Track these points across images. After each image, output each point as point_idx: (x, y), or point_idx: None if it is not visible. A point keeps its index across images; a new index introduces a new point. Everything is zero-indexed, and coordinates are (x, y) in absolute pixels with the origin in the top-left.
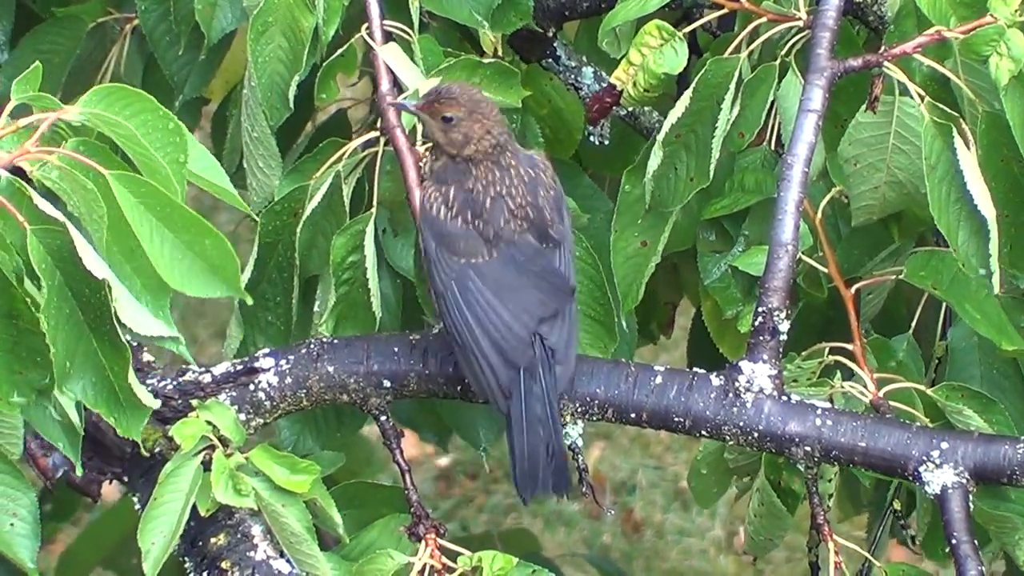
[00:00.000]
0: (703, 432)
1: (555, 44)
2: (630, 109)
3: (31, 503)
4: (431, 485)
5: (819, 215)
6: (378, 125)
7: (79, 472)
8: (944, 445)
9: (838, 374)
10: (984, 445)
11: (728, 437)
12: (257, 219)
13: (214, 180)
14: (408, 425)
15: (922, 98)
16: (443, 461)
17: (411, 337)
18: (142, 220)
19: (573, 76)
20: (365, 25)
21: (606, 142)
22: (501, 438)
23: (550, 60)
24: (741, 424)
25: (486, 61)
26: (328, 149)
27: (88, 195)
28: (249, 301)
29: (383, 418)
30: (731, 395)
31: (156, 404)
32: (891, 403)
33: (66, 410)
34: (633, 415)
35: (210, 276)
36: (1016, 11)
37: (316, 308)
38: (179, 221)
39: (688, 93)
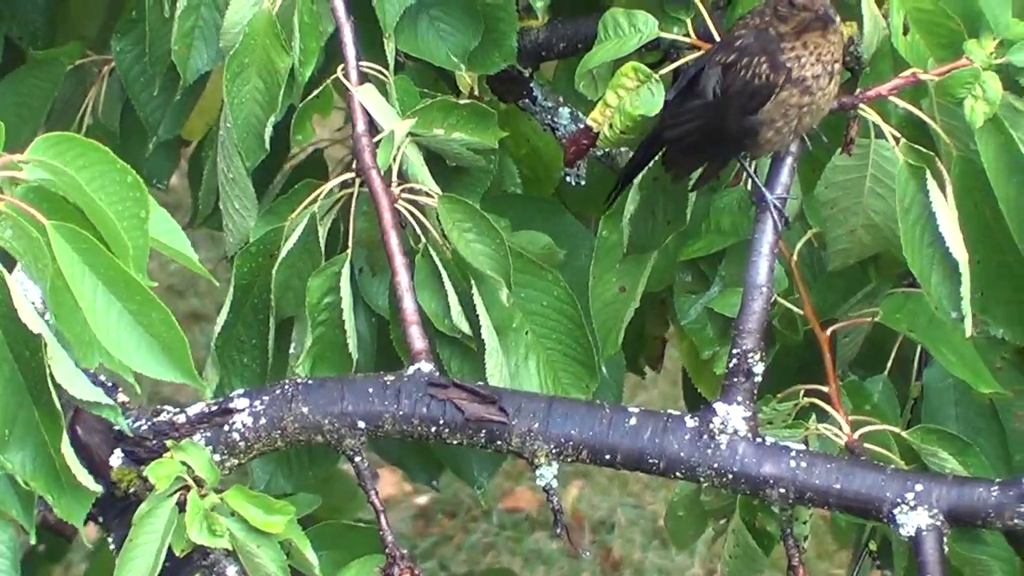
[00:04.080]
0: (677, 474)
1: (532, 85)
2: (607, 150)
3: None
4: (409, 524)
5: (795, 257)
6: (354, 166)
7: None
8: (918, 487)
9: (813, 416)
10: (958, 487)
11: (703, 479)
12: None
13: (173, 244)
14: (398, 465)
15: (897, 140)
16: (422, 500)
17: (385, 378)
18: (83, 278)
19: (550, 117)
20: (341, 66)
21: (583, 183)
22: (495, 473)
23: (527, 100)
24: (715, 466)
25: (463, 102)
26: (303, 190)
27: (32, 244)
28: (207, 392)
29: (357, 459)
30: (705, 437)
31: (97, 488)
32: (866, 445)
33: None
34: (607, 456)
35: (160, 355)
36: (991, 54)
37: (292, 350)
38: (123, 287)
39: None
